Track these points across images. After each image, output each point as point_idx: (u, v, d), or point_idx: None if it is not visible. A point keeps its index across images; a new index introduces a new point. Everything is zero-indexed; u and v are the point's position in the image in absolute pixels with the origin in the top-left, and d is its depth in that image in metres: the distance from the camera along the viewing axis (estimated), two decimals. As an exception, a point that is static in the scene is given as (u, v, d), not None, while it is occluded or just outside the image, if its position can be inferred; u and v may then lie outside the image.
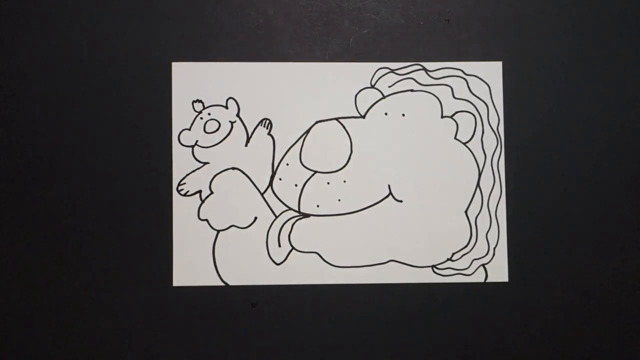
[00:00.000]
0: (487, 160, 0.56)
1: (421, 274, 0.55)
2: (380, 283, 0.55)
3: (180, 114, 0.55)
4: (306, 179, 0.55)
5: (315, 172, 0.56)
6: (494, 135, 0.56)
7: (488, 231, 0.55)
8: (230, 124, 0.55)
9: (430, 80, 0.56)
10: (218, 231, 0.55)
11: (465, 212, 0.55)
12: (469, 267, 0.55)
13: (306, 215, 0.55)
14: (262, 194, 0.55)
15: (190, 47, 0.55)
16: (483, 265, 0.55)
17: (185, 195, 0.55)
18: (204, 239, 0.55)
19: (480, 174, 0.56)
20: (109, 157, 0.54)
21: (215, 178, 0.55)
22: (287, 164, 0.55)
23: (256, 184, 0.55)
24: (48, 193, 0.54)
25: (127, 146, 0.54)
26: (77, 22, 0.55)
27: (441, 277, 0.55)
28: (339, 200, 0.55)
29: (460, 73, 0.56)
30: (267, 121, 0.56)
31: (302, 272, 0.55)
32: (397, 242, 0.55)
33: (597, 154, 0.56)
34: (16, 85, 0.54)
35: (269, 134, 0.56)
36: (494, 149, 0.56)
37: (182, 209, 0.55)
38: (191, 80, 0.55)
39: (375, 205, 0.55)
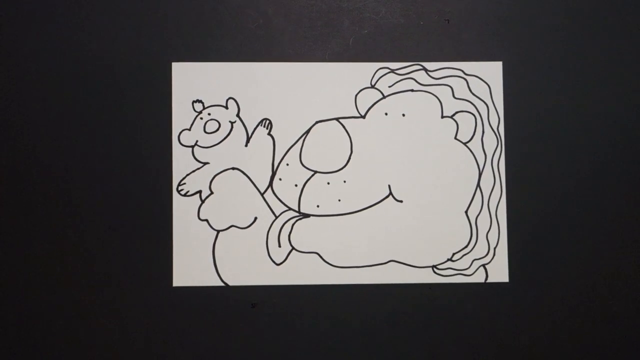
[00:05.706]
0: (487, 160, 0.56)
1: (421, 274, 0.55)
2: (380, 283, 0.55)
3: (180, 114, 0.55)
4: (306, 179, 0.55)
5: (315, 172, 0.56)
6: (494, 135, 0.56)
7: (488, 231, 0.55)
8: (230, 124, 0.55)
9: (430, 80, 0.56)
10: (218, 231, 0.55)
11: (466, 212, 0.55)
12: (469, 267, 0.55)
13: (306, 216, 0.55)
14: (262, 194, 0.55)
15: (190, 47, 0.55)
16: (483, 265, 0.55)
17: (185, 195, 0.55)
18: (204, 239, 0.55)
19: (480, 174, 0.56)
20: (108, 157, 0.54)
21: (215, 178, 0.55)
22: (287, 164, 0.55)
23: (256, 184, 0.55)
24: (48, 193, 0.54)
25: (127, 146, 0.54)
26: (77, 22, 0.55)
27: (441, 277, 0.55)
28: (339, 200, 0.55)
29: (460, 73, 0.56)
30: (267, 121, 0.56)
31: (302, 272, 0.55)
32: (397, 242, 0.55)
33: (597, 153, 0.56)
34: (16, 85, 0.54)
35: (269, 134, 0.56)
36: (494, 149, 0.56)
37: (182, 209, 0.55)
38: (191, 80, 0.55)
39: (375, 206, 0.55)
